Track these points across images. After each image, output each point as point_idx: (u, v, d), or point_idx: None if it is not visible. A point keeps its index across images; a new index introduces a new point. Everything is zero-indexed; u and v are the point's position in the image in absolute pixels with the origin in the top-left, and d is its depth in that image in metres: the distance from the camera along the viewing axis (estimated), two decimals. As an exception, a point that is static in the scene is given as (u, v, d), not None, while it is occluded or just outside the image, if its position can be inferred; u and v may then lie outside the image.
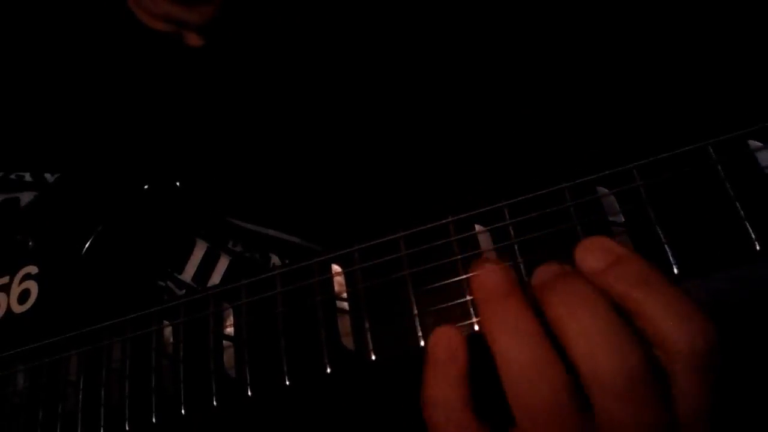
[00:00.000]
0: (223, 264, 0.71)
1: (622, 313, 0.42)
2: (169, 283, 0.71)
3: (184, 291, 0.70)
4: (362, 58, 0.79)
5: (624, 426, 0.41)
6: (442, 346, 0.45)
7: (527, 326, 0.42)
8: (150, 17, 0.80)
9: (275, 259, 0.73)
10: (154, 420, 0.57)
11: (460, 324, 0.49)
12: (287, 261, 0.72)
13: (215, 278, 0.71)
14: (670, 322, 0.41)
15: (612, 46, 0.72)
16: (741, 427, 0.47)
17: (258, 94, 0.79)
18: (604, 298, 0.42)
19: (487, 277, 0.44)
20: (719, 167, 0.45)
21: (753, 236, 0.44)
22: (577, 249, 0.44)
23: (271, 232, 0.74)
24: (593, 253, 0.43)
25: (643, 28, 0.73)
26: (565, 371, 0.42)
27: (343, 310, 0.53)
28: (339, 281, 0.54)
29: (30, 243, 0.71)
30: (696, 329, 0.40)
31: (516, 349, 0.42)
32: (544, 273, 0.44)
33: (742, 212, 0.44)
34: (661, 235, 0.46)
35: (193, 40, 0.80)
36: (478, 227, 0.51)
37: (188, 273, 0.71)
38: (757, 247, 0.44)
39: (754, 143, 0.45)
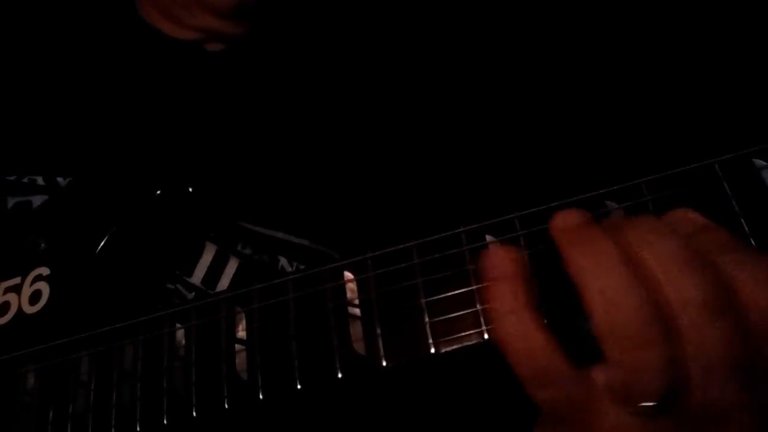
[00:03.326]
0: (232, 267, 0.72)
1: None
2: (178, 285, 0.71)
3: (193, 294, 0.71)
4: (377, 65, 0.79)
5: (713, 349, 0.41)
6: (499, 263, 0.47)
7: (609, 252, 0.44)
8: (179, 27, 0.80)
9: (284, 262, 0.74)
10: (165, 422, 0.58)
11: (471, 332, 0.50)
12: (296, 263, 0.73)
13: (224, 281, 0.72)
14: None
15: (623, 63, 0.74)
16: None
17: (269, 98, 0.80)
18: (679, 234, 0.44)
19: (566, 217, 0.46)
20: (725, 184, 0.47)
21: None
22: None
23: (279, 234, 0.74)
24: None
25: (654, 46, 0.74)
26: (648, 293, 0.43)
27: (354, 316, 0.54)
28: (351, 288, 0.55)
29: (42, 244, 0.71)
30: None
31: (600, 273, 0.43)
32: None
33: (746, 228, 0.46)
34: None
35: (216, 46, 0.81)
36: (489, 237, 0.52)
37: (197, 276, 0.71)
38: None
39: (758, 162, 0.47)
